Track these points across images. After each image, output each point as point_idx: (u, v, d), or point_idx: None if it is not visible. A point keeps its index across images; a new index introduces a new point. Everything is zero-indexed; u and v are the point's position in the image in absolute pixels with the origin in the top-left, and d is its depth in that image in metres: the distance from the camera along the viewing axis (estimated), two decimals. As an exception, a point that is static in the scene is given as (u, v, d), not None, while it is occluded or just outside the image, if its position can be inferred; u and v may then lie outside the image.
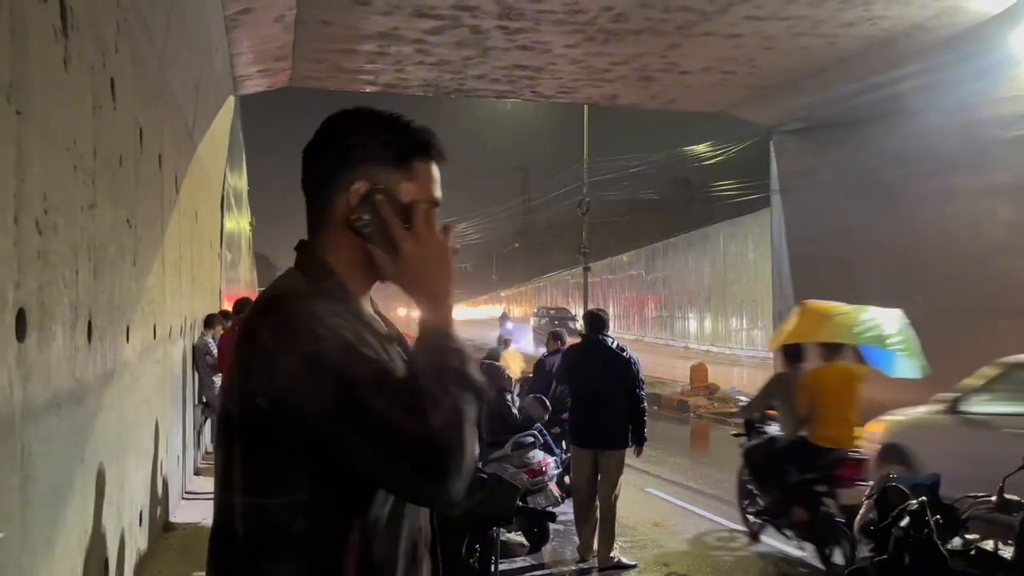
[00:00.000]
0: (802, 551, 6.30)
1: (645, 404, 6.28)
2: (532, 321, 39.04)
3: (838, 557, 5.55)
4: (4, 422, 2.22)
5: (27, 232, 2.40)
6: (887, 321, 6.07)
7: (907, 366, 6.07)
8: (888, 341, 5.93)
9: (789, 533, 6.09)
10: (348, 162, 1.31)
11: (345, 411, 1.13)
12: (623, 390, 6.15)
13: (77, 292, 3.02)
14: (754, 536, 6.76)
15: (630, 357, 6.29)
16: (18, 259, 2.32)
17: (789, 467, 5.92)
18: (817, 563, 5.89)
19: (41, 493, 2.52)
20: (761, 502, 6.46)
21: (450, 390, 1.14)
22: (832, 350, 5.96)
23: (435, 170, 1.34)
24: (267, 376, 1.16)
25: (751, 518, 6.77)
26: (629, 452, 6.28)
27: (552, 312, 39.28)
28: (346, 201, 1.30)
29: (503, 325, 24.85)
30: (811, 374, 6.02)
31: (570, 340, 8.69)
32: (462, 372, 1.18)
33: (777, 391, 6.44)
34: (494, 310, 65.63)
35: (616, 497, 6.23)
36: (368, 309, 1.35)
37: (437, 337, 1.21)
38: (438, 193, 1.34)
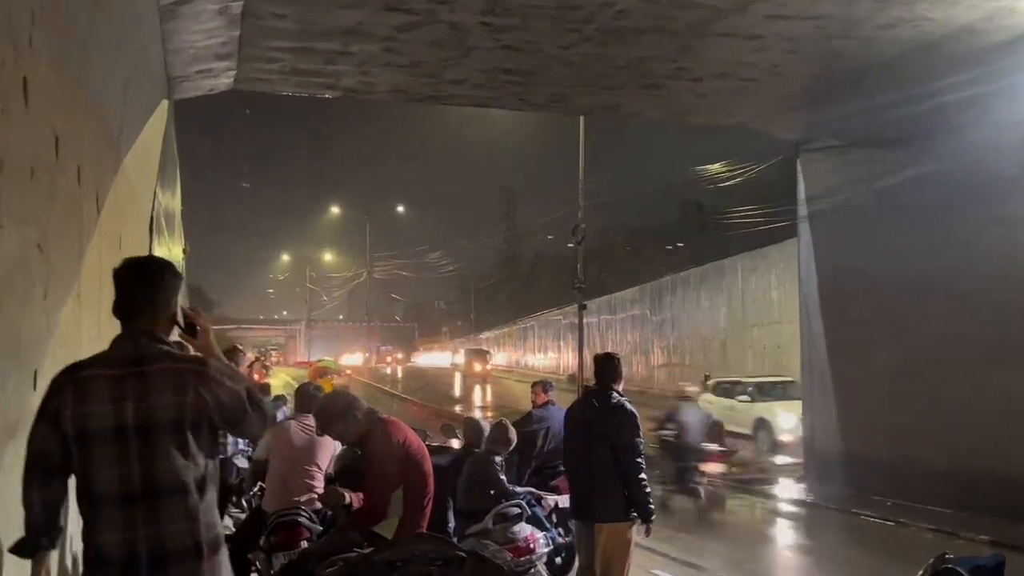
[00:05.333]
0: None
1: (642, 464, 6.11)
2: None
3: None
4: None
5: (-83, 257, 2.35)
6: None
7: None
8: None
9: None
10: (174, 290, 3.24)
11: (250, 402, 3.18)
12: (609, 448, 6.10)
13: (-25, 330, 2.96)
14: None
15: (621, 407, 6.21)
16: (-95, 289, 2.27)
17: None
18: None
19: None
20: None
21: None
22: None
23: None
24: (217, 393, 3.10)
25: None
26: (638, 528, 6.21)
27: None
28: (173, 312, 3.23)
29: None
30: None
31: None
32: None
33: None
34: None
35: (619, 581, 6.15)
36: None
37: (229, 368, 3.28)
38: None
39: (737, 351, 32.14)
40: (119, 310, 3.21)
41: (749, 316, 31.37)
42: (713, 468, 13.81)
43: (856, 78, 12.17)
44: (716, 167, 27.98)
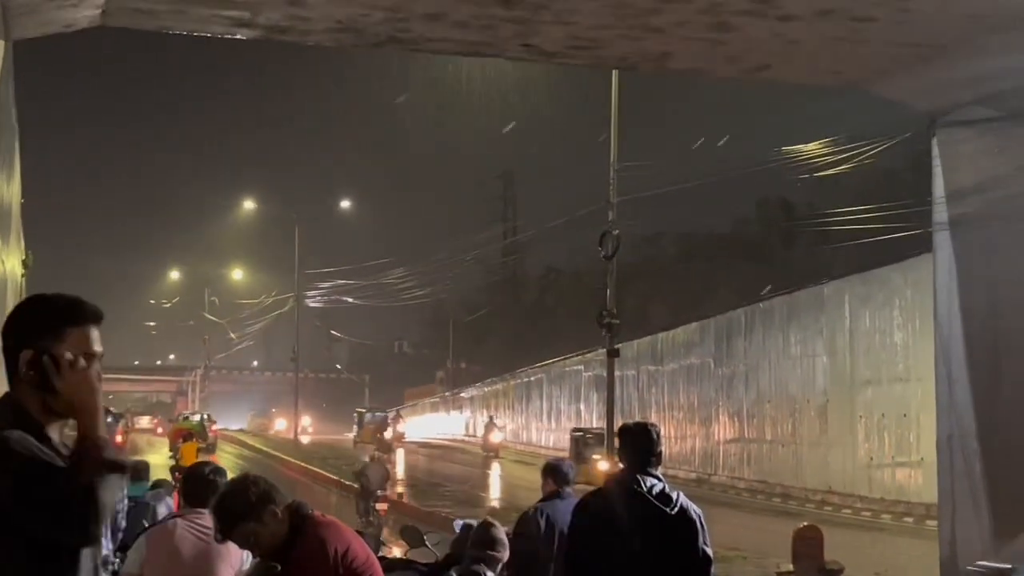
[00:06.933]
0: None
1: None
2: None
3: None
4: None
5: None
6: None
7: None
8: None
9: None
10: (19, 339, 3.31)
11: (30, 499, 3.09)
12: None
13: None
14: None
15: (687, 514, 6.30)
16: None
17: None
18: None
19: None
20: None
21: (83, 475, 3.08)
22: None
23: (87, 329, 3.35)
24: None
25: None
26: None
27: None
28: (21, 366, 3.27)
29: None
30: None
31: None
32: (99, 459, 3.13)
33: None
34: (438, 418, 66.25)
35: None
36: (56, 437, 3.32)
37: (83, 441, 3.16)
38: (95, 347, 3.35)
39: (842, 421, 32.04)
40: None
41: (861, 369, 31.33)
42: (382, 506, 26.95)
43: (1020, 18, 12.19)
44: (812, 147, 27.85)
